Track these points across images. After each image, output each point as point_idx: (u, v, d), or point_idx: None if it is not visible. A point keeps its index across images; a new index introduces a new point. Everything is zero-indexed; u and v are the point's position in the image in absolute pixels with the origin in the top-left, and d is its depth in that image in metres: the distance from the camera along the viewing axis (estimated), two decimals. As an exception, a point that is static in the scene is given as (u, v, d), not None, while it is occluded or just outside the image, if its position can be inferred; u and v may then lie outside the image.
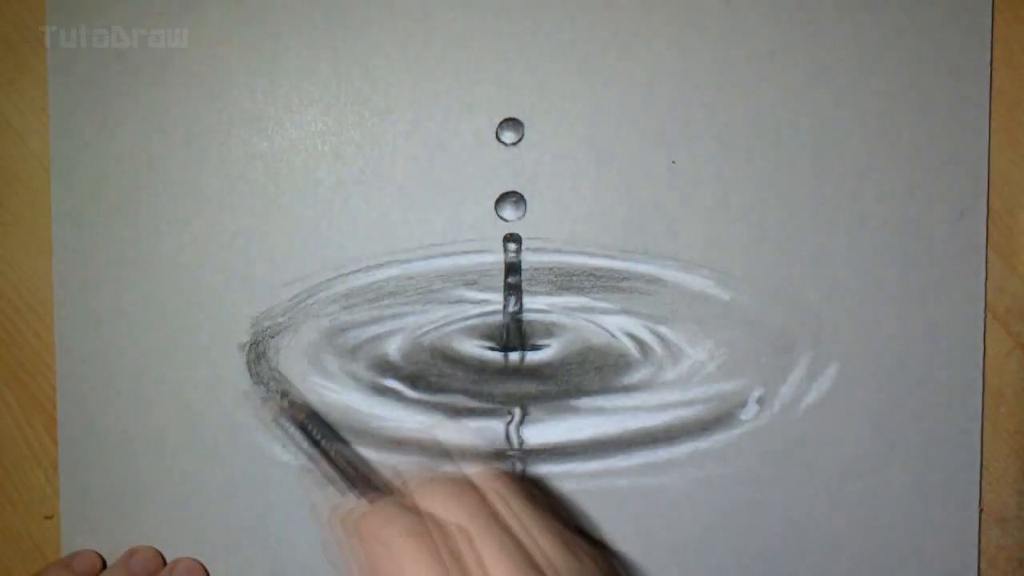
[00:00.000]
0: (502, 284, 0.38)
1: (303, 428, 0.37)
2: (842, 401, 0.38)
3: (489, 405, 0.38)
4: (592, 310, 0.38)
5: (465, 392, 0.38)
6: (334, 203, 0.38)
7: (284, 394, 0.38)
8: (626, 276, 0.38)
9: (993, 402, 0.38)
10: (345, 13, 0.38)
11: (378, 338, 0.39)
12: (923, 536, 0.38)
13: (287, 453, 0.39)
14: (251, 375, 0.39)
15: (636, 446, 0.38)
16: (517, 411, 0.38)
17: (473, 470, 0.33)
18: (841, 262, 0.38)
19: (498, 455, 0.38)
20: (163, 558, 0.39)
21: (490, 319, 0.38)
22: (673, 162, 0.38)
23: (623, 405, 0.38)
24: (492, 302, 0.38)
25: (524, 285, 0.38)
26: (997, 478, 0.39)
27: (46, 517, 0.40)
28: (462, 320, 0.38)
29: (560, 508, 0.38)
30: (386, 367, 0.39)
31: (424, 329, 0.39)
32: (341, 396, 0.38)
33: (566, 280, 0.38)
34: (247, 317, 0.38)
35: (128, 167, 0.39)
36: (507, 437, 0.38)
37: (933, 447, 0.38)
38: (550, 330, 0.38)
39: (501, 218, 0.38)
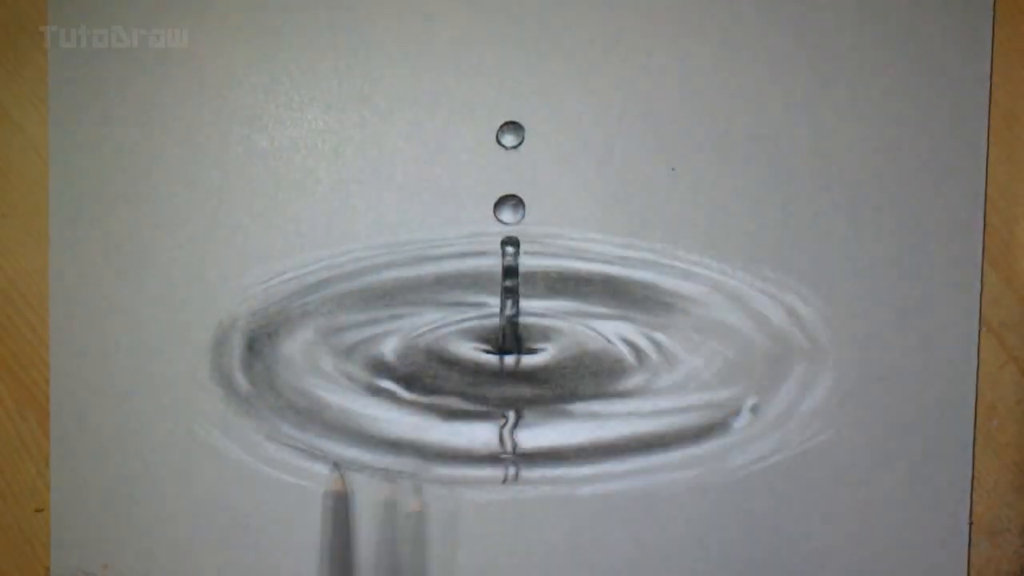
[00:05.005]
0: (499, 287, 0.38)
1: None
2: (835, 411, 0.38)
3: (483, 408, 0.38)
4: (588, 315, 0.38)
5: (460, 394, 0.38)
6: (333, 202, 0.38)
7: None
8: (624, 282, 0.38)
9: (986, 415, 0.39)
10: (347, 12, 0.38)
11: (374, 339, 0.39)
12: (913, 548, 0.38)
13: (280, 451, 0.39)
14: (246, 372, 0.38)
15: (630, 452, 0.38)
16: (511, 414, 0.38)
17: None
18: (838, 272, 0.38)
19: (491, 458, 0.38)
20: None
21: (486, 322, 0.38)
22: (673, 169, 0.38)
23: (617, 411, 0.38)
24: (489, 305, 0.38)
25: (521, 289, 0.38)
26: (988, 491, 0.39)
27: (37, 510, 0.40)
28: (458, 322, 0.39)
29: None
30: (381, 368, 0.39)
31: (420, 331, 0.39)
32: (336, 396, 0.39)
33: (563, 284, 0.38)
34: (243, 314, 0.38)
35: (127, 162, 0.39)
36: (501, 440, 0.38)
37: (925, 459, 0.38)
38: (546, 334, 0.39)
39: (500, 221, 0.38)
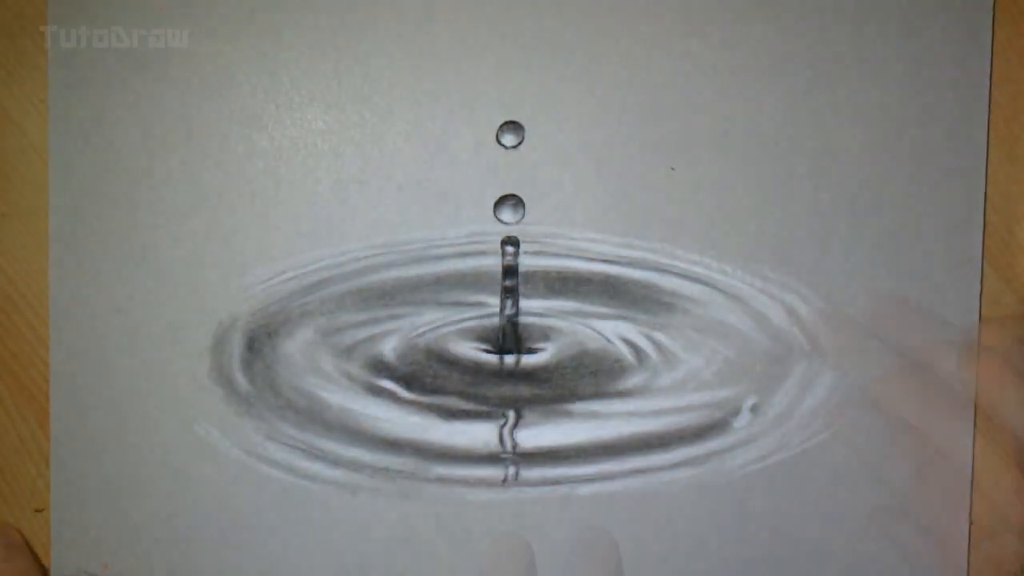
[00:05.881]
0: (499, 287, 0.38)
1: None
2: (836, 411, 0.38)
3: (483, 408, 0.38)
4: (588, 315, 0.38)
5: (460, 394, 0.38)
6: (333, 202, 0.38)
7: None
8: (624, 281, 0.38)
9: (985, 415, 0.39)
10: (347, 12, 0.38)
11: (374, 338, 0.39)
12: (914, 548, 0.38)
13: (280, 451, 0.39)
14: (246, 372, 0.39)
15: (630, 451, 0.38)
16: (511, 414, 0.38)
17: None
18: (838, 272, 0.38)
19: (491, 458, 0.38)
20: None
21: (486, 321, 0.38)
22: (672, 169, 0.38)
23: (617, 410, 0.38)
24: (488, 304, 0.38)
25: (521, 288, 0.38)
26: (988, 491, 0.39)
27: (36, 510, 0.40)
28: (458, 322, 0.39)
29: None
30: (381, 367, 0.39)
31: (420, 330, 0.39)
32: (336, 395, 0.39)
33: (563, 284, 0.38)
34: (243, 314, 0.38)
35: (127, 162, 0.39)
36: (500, 440, 0.38)
37: (925, 459, 0.38)
38: (546, 334, 0.39)
39: (500, 221, 0.38)
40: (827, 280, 0.38)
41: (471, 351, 0.39)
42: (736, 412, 0.38)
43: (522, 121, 0.38)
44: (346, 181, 0.38)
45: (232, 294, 0.38)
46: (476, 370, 0.39)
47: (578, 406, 0.38)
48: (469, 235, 0.38)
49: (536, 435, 0.38)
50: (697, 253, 0.38)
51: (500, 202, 0.38)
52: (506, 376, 0.39)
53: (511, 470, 0.38)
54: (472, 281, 0.38)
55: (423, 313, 0.38)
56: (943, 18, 0.38)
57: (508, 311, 0.38)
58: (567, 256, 0.38)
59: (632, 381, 0.38)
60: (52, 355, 0.39)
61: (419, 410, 0.39)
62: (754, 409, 0.38)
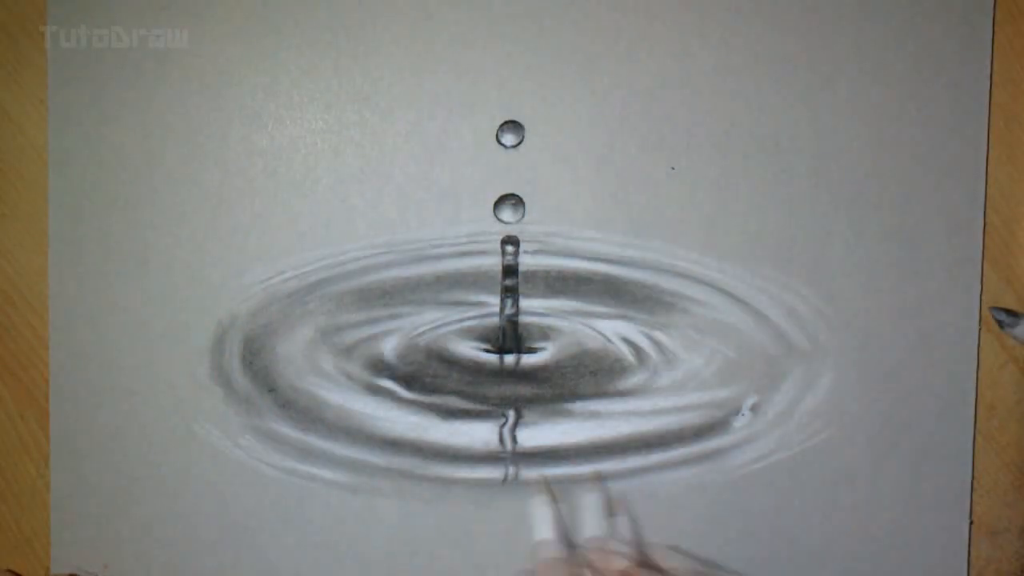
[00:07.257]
0: (499, 286, 0.38)
1: None
2: (835, 410, 0.38)
3: (483, 407, 0.38)
4: (588, 314, 0.38)
5: (459, 394, 0.38)
6: (332, 201, 0.38)
7: None
8: (623, 281, 0.38)
9: (986, 414, 0.39)
10: (346, 12, 0.38)
11: (374, 338, 0.39)
12: (914, 547, 0.38)
13: (280, 451, 0.39)
14: (246, 372, 0.38)
15: (630, 451, 0.38)
16: (511, 414, 0.38)
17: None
18: (838, 272, 0.38)
19: (491, 457, 0.38)
20: None
21: (486, 321, 0.38)
22: (672, 168, 0.38)
23: (617, 410, 0.38)
24: (489, 304, 0.38)
25: (521, 288, 0.38)
26: (988, 490, 0.39)
27: (37, 510, 0.40)
28: (458, 321, 0.39)
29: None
30: (381, 367, 0.39)
31: (420, 330, 0.39)
32: (336, 395, 0.38)
33: (563, 284, 0.38)
34: (243, 314, 0.38)
35: (127, 161, 0.39)
36: (500, 439, 0.38)
37: (925, 458, 0.38)
38: (546, 333, 0.39)
39: (500, 220, 0.38)
40: (827, 280, 0.38)
41: (471, 351, 0.39)
42: (736, 412, 0.38)
43: (522, 121, 0.38)
44: (345, 181, 0.38)
45: (232, 294, 0.38)
46: (476, 370, 0.39)
47: (578, 406, 0.38)
48: (469, 235, 0.38)
49: (536, 434, 0.38)
50: (697, 253, 0.38)
51: (500, 202, 0.38)
52: (506, 376, 0.39)
53: (511, 470, 0.38)
54: (472, 281, 0.38)
55: (423, 313, 0.38)
56: (943, 18, 0.38)
57: (508, 311, 0.38)
58: (567, 256, 0.38)
59: (632, 381, 0.38)
60: (52, 355, 0.39)
61: (419, 410, 0.39)
62: (754, 409, 0.38)
